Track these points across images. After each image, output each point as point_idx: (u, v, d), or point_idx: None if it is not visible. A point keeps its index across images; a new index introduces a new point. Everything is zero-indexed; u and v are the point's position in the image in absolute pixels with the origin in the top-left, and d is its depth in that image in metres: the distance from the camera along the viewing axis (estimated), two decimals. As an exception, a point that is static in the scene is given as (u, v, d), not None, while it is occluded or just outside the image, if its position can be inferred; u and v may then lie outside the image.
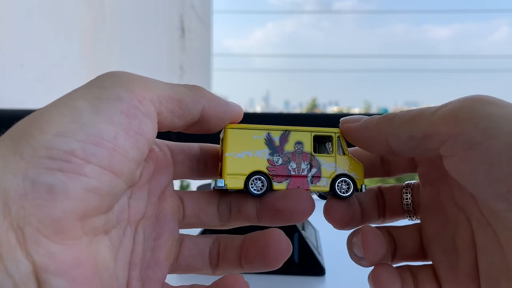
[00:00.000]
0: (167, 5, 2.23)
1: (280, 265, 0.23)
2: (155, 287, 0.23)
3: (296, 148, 0.25)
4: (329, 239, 0.52)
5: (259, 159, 0.24)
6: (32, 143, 0.16)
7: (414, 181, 0.27)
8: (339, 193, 0.25)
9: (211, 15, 3.56)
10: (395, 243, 0.26)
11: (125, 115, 0.18)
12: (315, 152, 0.25)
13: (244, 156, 0.24)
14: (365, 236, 0.24)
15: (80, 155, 0.16)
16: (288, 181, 0.24)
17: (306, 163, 0.25)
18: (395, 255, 0.26)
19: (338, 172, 0.25)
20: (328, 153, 0.25)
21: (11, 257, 0.15)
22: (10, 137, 0.17)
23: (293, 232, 0.46)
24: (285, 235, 0.23)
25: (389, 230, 0.26)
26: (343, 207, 0.25)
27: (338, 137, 0.25)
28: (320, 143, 0.26)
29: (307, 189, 0.24)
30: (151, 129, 0.19)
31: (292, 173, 0.24)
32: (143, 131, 0.19)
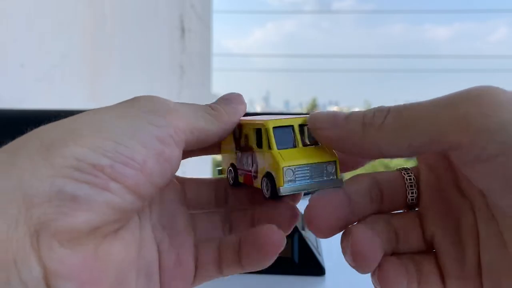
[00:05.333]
0: (167, 5, 2.23)
1: (272, 261, 0.22)
2: (189, 252, 0.23)
3: (245, 142, 0.24)
4: (329, 239, 0.52)
5: (231, 153, 0.26)
6: (64, 153, 0.17)
7: (407, 166, 0.24)
8: (264, 194, 0.22)
9: (211, 15, 3.56)
10: (396, 233, 0.23)
11: (160, 142, 0.19)
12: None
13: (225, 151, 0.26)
14: (355, 243, 0.21)
15: (108, 172, 0.17)
16: (244, 175, 0.25)
17: (250, 158, 0.24)
18: (397, 247, 0.23)
19: (267, 170, 0.22)
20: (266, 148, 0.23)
21: (25, 263, 0.15)
22: (42, 141, 0.17)
23: (293, 232, 0.46)
24: (277, 230, 0.22)
25: (387, 220, 0.23)
26: (329, 210, 0.22)
27: (266, 129, 0.22)
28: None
29: (251, 185, 0.24)
30: (178, 158, 0.20)
31: (245, 167, 0.24)
32: (172, 159, 0.19)
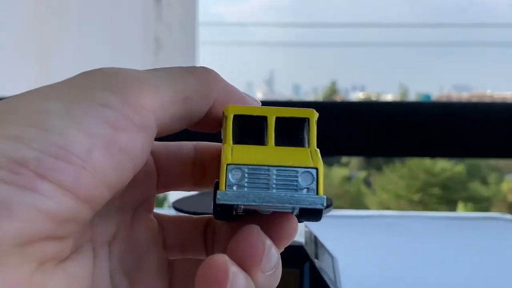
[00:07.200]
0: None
1: None
2: (148, 280, 0.23)
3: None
4: (352, 270, 0.52)
5: None
6: None
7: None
8: None
9: (196, -28, 3.55)
10: None
11: (110, 126, 0.18)
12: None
13: None
14: None
15: (34, 168, 0.16)
16: None
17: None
18: None
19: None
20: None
21: None
22: None
23: (302, 261, 0.46)
24: (222, 257, 0.19)
25: None
26: None
27: (225, 117, 0.22)
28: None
29: None
30: (144, 147, 0.19)
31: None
32: (131, 149, 0.18)
